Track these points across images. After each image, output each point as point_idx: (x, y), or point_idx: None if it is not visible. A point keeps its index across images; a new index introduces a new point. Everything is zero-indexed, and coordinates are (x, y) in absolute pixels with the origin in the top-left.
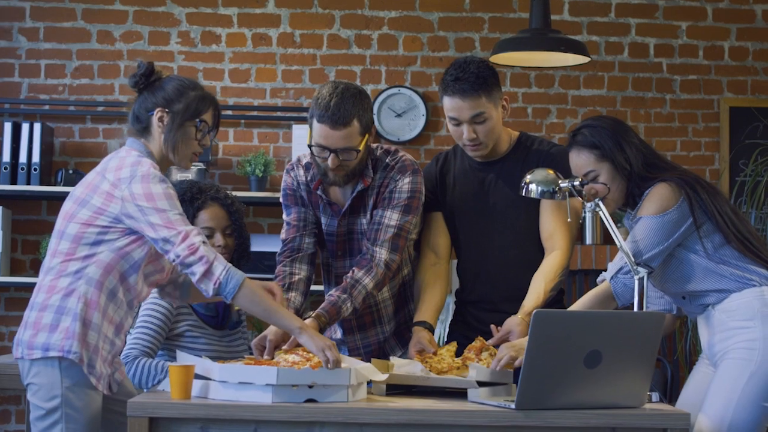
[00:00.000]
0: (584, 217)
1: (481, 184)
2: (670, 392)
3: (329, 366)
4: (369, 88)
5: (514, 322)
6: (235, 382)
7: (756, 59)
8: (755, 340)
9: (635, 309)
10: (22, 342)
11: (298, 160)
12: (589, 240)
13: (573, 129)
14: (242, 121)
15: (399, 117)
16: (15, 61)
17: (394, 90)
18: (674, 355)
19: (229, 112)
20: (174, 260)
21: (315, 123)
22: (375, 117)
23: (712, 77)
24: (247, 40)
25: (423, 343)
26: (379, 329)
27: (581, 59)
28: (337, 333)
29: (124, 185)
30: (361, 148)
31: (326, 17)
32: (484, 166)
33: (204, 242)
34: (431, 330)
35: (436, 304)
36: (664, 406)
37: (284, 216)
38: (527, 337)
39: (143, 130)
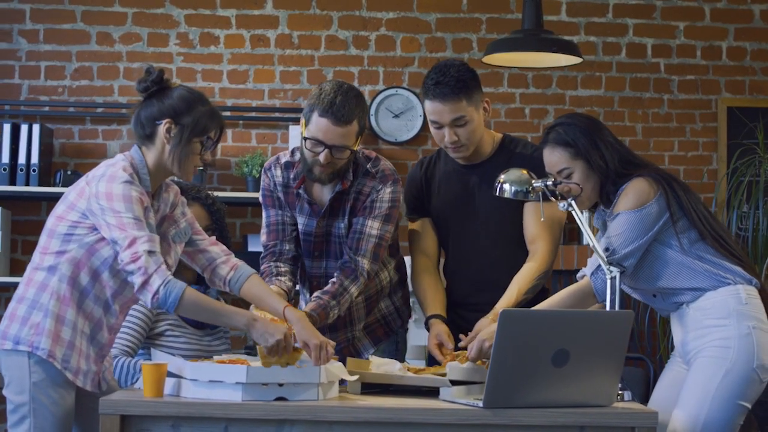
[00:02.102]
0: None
1: (465, 187)
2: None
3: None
4: (367, 89)
5: (484, 323)
6: (205, 381)
7: (754, 59)
8: (730, 338)
9: (608, 308)
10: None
11: (277, 159)
12: (586, 240)
13: (547, 126)
14: (240, 122)
15: (396, 117)
16: (15, 63)
17: (392, 91)
18: (657, 354)
19: (228, 113)
20: (120, 264)
21: (315, 117)
22: (372, 117)
23: (709, 77)
24: (246, 42)
25: (442, 336)
26: (349, 329)
27: (574, 60)
28: None
29: (94, 182)
30: (355, 148)
31: (324, 18)
32: (468, 169)
33: (150, 251)
34: (446, 322)
35: (441, 299)
36: (634, 404)
37: (263, 217)
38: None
39: (146, 137)
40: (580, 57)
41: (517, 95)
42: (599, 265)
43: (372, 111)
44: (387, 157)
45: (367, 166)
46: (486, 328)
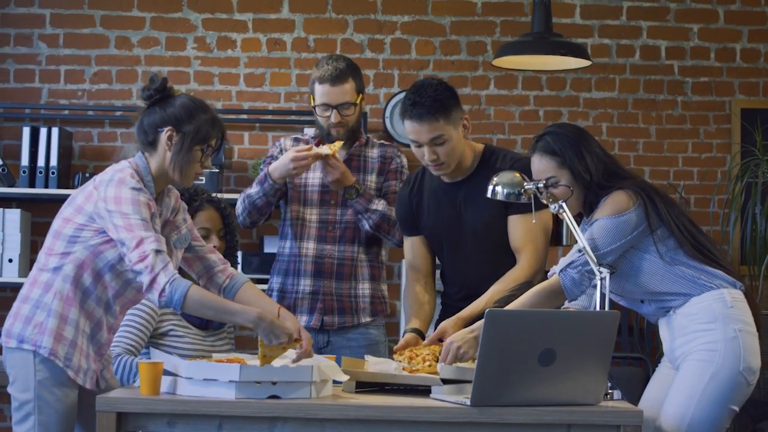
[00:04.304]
0: None
1: (453, 204)
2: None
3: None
4: (382, 92)
5: (448, 324)
6: (200, 379)
7: None
8: (716, 342)
9: (597, 309)
10: (4, 330)
11: (287, 137)
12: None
13: (537, 134)
14: (257, 124)
15: None
16: (35, 67)
17: None
18: (656, 354)
19: (244, 116)
20: (128, 265)
21: (317, 86)
22: (387, 120)
23: (723, 79)
24: (262, 45)
25: (402, 343)
26: (353, 284)
27: (583, 62)
28: (306, 285)
29: (102, 187)
30: (358, 101)
31: (340, 22)
32: (453, 186)
33: (157, 251)
34: (422, 336)
35: (424, 315)
36: (621, 403)
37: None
38: (468, 329)
39: (149, 144)
40: (589, 60)
41: (531, 97)
42: (569, 263)
43: (387, 114)
44: None
45: (380, 141)
46: (457, 332)
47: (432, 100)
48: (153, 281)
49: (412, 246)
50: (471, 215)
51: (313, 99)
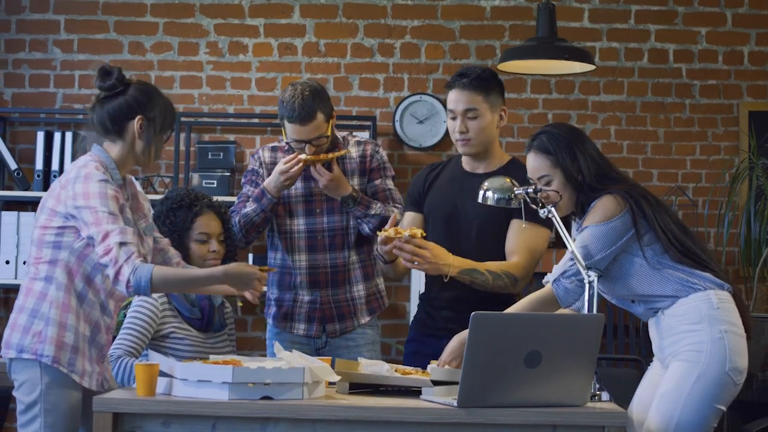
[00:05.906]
0: None
1: (461, 191)
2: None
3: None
4: (392, 95)
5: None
6: (194, 380)
7: None
8: (702, 342)
9: (585, 312)
10: (3, 341)
11: (263, 147)
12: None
13: (533, 133)
14: (268, 128)
15: (421, 123)
16: (50, 72)
17: (416, 97)
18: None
19: (256, 120)
20: (95, 259)
21: (286, 123)
22: (397, 123)
23: (731, 82)
24: (274, 50)
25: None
26: (348, 289)
27: (587, 67)
28: (303, 296)
29: (70, 185)
30: (328, 133)
31: (350, 27)
32: (471, 176)
33: (121, 243)
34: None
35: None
36: (607, 404)
37: (242, 191)
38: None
39: (114, 133)
40: (593, 64)
41: (540, 101)
42: (562, 272)
43: (397, 117)
44: (411, 162)
45: (357, 138)
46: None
47: (477, 76)
48: (117, 273)
49: (412, 218)
50: (478, 207)
51: (285, 133)
